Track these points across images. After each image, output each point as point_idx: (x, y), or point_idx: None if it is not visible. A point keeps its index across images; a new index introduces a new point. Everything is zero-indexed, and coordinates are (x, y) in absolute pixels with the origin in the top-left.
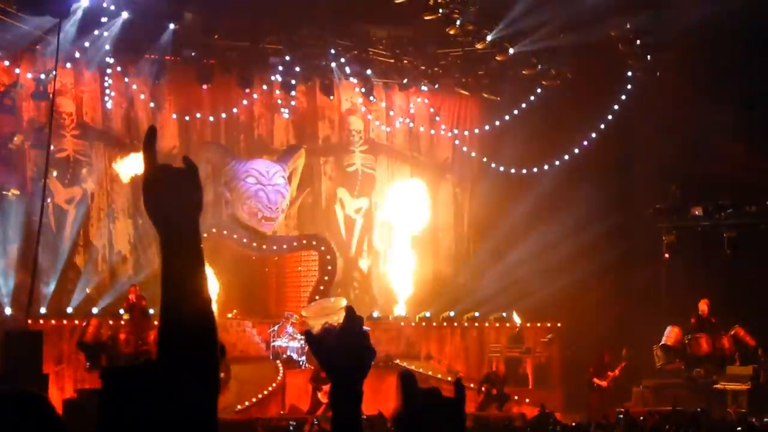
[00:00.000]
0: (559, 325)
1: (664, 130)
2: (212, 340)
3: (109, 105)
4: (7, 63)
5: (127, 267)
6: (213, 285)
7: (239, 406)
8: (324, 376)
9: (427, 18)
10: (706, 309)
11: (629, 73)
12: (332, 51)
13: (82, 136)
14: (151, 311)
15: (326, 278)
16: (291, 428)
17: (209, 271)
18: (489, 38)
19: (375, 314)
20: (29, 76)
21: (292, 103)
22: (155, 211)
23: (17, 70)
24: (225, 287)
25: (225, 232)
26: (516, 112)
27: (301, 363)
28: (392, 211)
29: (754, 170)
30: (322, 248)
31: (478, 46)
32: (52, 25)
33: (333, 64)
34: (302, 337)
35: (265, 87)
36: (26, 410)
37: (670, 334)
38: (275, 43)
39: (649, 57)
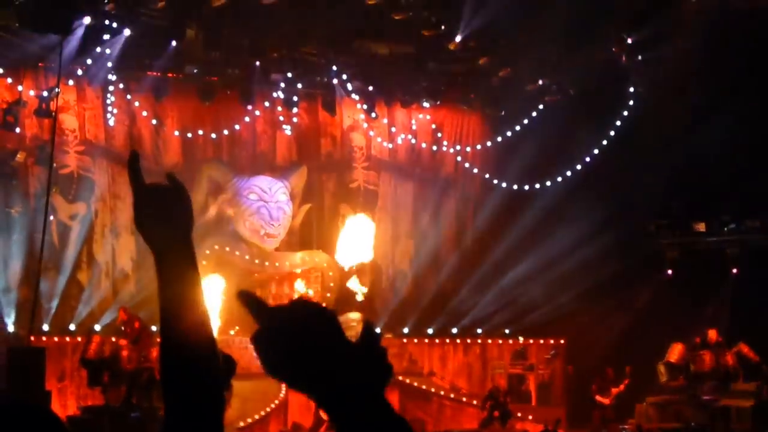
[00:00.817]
0: (562, 341)
1: (666, 146)
2: (211, 353)
3: (111, 122)
4: (9, 80)
5: (130, 284)
6: (218, 296)
7: (241, 423)
8: None
9: (427, 34)
10: (714, 338)
11: (631, 89)
12: (334, 67)
13: (85, 153)
14: (153, 328)
15: (328, 295)
16: None
17: (218, 279)
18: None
19: (377, 330)
20: (32, 93)
21: (294, 119)
22: (146, 231)
23: (20, 88)
24: (227, 304)
25: (227, 249)
26: (518, 127)
27: None
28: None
29: (757, 185)
30: (325, 265)
31: (480, 61)
32: (55, 43)
33: (335, 81)
34: None
35: (267, 104)
36: (31, 422)
37: (674, 351)
38: (277, 60)
39: (651, 72)
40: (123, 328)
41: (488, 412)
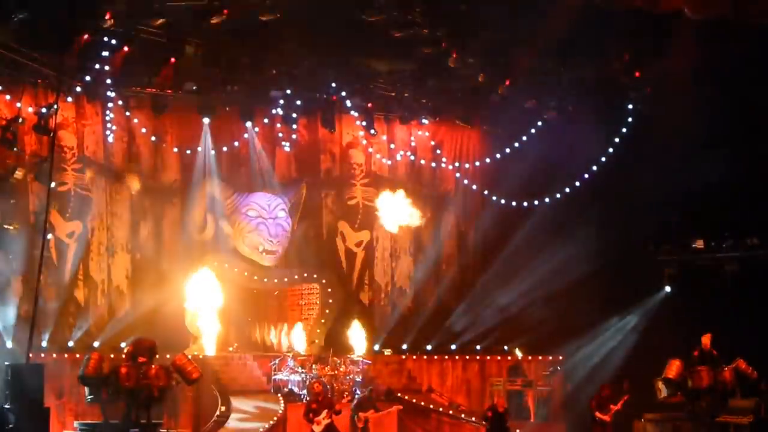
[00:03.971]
0: (560, 357)
1: (666, 163)
2: None
3: (110, 139)
4: (8, 97)
5: (125, 302)
6: (217, 313)
7: None
8: (315, 407)
9: (426, 51)
10: (709, 343)
11: (630, 106)
12: (333, 84)
13: (83, 170)
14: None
15: (327, 311)
16: None
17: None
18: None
19: (376, 348)
20: (30, 109)
21: (293, 136)
22: None
23: (18, 104)
24: (226, 321)
25: (226, 266)
26: (517, 144)
27: (302, 396)
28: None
29: (756, 203)
30: (323, 281)
31: (479, 79)
32: (53, 60)
33: (334, 98)
34: (303, 370)
35: (266, 120)
36: None
37: (672, 367)
38: (276, 77)
39: (649, 89)
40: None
41: (486, 429)
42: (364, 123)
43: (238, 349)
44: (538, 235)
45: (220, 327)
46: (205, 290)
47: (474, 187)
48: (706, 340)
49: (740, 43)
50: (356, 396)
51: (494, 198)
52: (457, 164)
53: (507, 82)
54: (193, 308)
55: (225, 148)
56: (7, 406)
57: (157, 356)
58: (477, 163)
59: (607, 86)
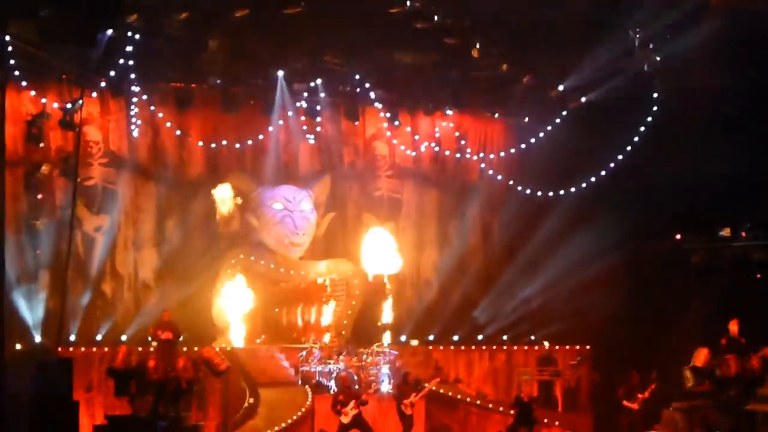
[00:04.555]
0: (588, 347)
1: (690, 150)
2: None
3: (135, 133)
4: (33, 93)
5: (151, 296)
6: (244, 306)
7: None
8: (342, 399)
9: (450, 42)
10: (736, 329)
11: (655, 95)
12: (357, 76)
13: (109, 165)
14: (180, 338)
15: (353, 303)
16: None
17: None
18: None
19: (402, 338)
20: (55, 105)
21: (318, 129)
22: None
23: (43, 100)
24: (253, 313)
25: (252, 258)
26: (542, 134)
27: (329, 388)
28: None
29: None
30: (350, 273)
31: (503, 69)
32: (78, 55)
33: (358, 90)
34: (330, 362)
35: (290, 113)
36: None
37: (699, 356)
38: (300, 70)
39: (673, 77)
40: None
41: (514, 419)
42: (388, 115)
43: (265, 341)
44: (563, 224)
45: (248, 319)
46: (235, 287)
47: (498, 177)
48: (733, 326)
49: (765, 28)
50: (381, 388)
51: (519, 188)
52: (481, 155)
53: (530, 72)
54: (221, 302)
55: (249, 142)
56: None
57: (182, 337)
58: (501, 154)
59: (632, 75)
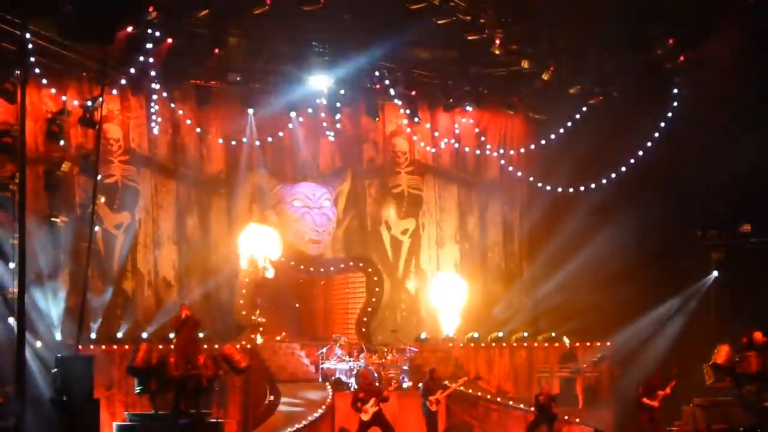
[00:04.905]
0: (608, 344)
1: (711, 146)
2: None
3: (155, 131)
4: (53, 90)
5: (172, 293)
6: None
7: (289, 429)
8: (363, 396)
9: (470, 38)
10: (760, 339)
11: (675, 90)
12: (377, 73)
13: (129, 162)
14: (201, 335)
15: (374, 300)
16: None
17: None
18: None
19: (423, 335)
20: (75, 102)
21: (337, 126)
22: None
23: (63, 98)
24: (273, 310)
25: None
26: (562, 131)
27: (349, 385)
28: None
29: None
30: (369, 270)
31: (523, 65)
32: (98, 53)
33: (377, 87)
34: (350, 359)
35: (310, 110)
36: None
37: (720, 353)
38: (319, 67)
39: (694, 73)
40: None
41: (535, 416)
42: (407, 111)
43: (285, 338)
44: (584, 221)
45: (268, 316)
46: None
47: (519, 173)
48: (758, 336)
49: None
50: (404, 384)
51: (539, 184)
52: (501, 151)
53: (551, 68)
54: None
55: (270, 139)
56: (57, 399)
57: (201, 332)
58: (522, 150)
59: (652, 71)
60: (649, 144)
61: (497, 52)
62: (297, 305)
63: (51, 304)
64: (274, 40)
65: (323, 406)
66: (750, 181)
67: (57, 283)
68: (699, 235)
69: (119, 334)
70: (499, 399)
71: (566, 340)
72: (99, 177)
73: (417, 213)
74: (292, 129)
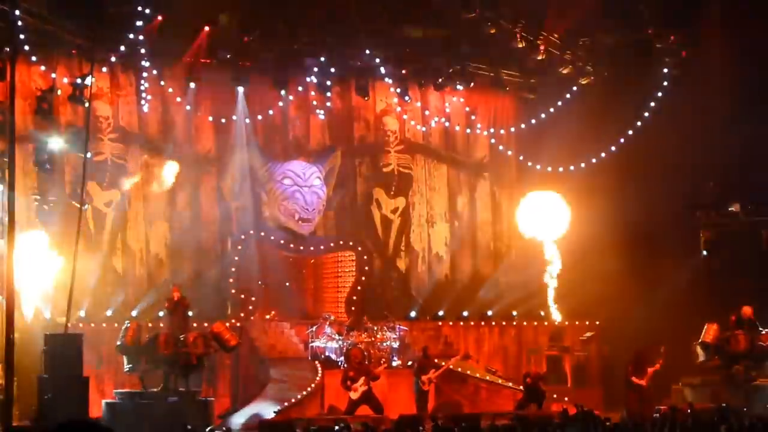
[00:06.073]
0: (597, 323)
1: (700, 126)
2: None
3: (145, 108)
4: (43, 68)
5: (164, 271)
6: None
7: (278, 407)
8: (352, 374)
9: (464, 17)
10: (749, 315)
11: (665, 70)
12: (367, 51)
13: (118, 140)
14: (190, 313)
15: (363, 279)
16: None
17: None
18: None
19: (413, 314)
20: (65, 80)
21: (328, 104)
22: None
23: (53, 75)
24: (263, 288)
25: (262, 234)
26: (552, 110)
27: (339, 363)
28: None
29: None
30: (359, 249)
31: (514, 45)
32: (88, 30)
33: (368, 65)
34: (340, 337)
35: (300, 88)
36: None
37: (709, 331)
38: (310, 45)
39: (684, 53)
40: (174, 308)
41: (523, 394)
42: (398, 90)
43: (275, 317)
44: (574, 200)
45: (258, 295)
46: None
47: (509, 153)
48: (747, 310)
49: None
50: (394, 362)
51: (529, 164)
52: (491, 130)
53: (542, 48)
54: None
55: (260, 117)
56: (45, 376)
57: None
58: (512, 129)
59: (642, 51)
60: (639, 124)
61: (488, 31)
62: (287, 284)
63: (40, 282)
64: (265, 18)
65: (313, 385)
66: (740, 161)
67: (46, 261)
68: (688, 214)
69: (109, 312)
70: (488, 377)
71: (555, 319)
72: (89, 155)
73: (407, 192)
74: (282, 107)
